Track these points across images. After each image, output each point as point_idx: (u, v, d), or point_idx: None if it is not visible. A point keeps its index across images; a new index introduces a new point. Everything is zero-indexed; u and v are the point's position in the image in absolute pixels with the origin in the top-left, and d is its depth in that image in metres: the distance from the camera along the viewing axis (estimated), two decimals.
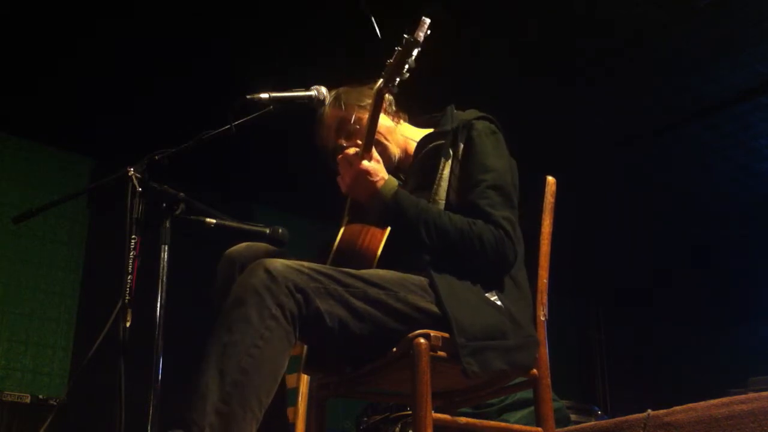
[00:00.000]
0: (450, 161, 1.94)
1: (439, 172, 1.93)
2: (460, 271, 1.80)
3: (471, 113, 2.03)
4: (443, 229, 1.80)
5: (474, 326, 1.70)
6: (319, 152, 2.18)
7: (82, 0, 4.00)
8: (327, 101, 2.11)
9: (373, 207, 1.87)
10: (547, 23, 4.29)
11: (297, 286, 1.57)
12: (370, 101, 1.90)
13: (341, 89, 2.14)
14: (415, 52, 1.77)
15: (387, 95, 1.94)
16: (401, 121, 2.17)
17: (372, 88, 1.88)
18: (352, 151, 1.91)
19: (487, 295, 1.80)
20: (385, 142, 2.08)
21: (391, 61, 1.80)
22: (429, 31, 1.75)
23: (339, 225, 1.98)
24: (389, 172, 1.97)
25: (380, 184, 1.86)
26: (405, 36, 1.75)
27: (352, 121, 2.07)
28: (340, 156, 1.93)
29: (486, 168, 1.89)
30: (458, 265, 1.81)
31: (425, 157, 2.01)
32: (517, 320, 1.80)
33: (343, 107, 2.08)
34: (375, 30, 2.04)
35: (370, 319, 1.67)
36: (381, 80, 1.83)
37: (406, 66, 1.79)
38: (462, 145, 1.95)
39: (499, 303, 1.80)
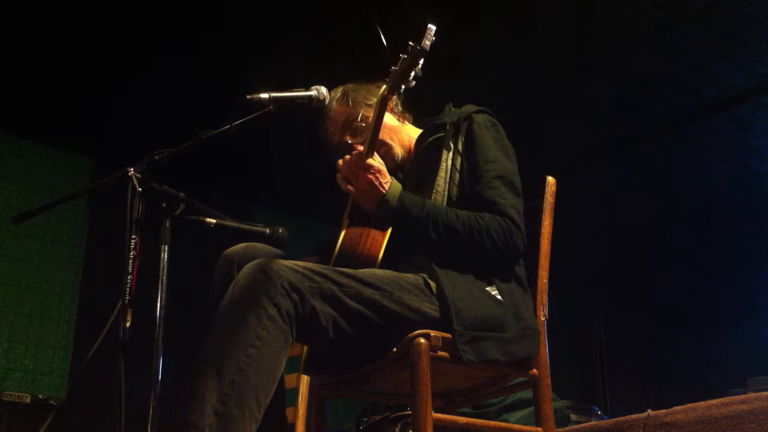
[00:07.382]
0: (451, 153, 1.95)
1: (441, 164, 1.94)
2: (462, 266, 1.80)
3: (469, 108, 2.05)
4: (451, 227, 1.81)
5: (473, 316, 1.71)
6: (322, 148, 2.17)
7: (83, 0, 4.00)
8: (333, 96, 2.11)
9: (379, 211, 1.87)
10: (547, 23, 4.29)
11: (293, 285, 1.57)
12: (377, 100, 1.89)
13: (349, 86, 2.14)
14: (421, 61, 1.75)
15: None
16: (406, 122, 2.18)
17: (379, 87, 1.87)
18: (354, 153, 1.89)
19: (488, 289, 1.81)
20: (390, 142, 2.09)
21: (396, 68, 1.78)
22: (435, 38, 1.73)
23: (339, 227, 1.97)
24: (391, 170, 1.97)
25: (386, 186, 1.86)
26: (410, 44, 1.73)
27: (359, 119, 2.08)
28: (343, 160, 1.91)
29: (489, 159, 1.91)
30: (461, 260, 1.81)
31: (425, 151, 2.02)
32: (517, 313, 1.80)
33: (351, 104, 2.09)
34: (379, 34, 2.01)
35: (363, 319, 1.67)
36: (385, 87, 1.83)
37: (412, 74, 1.77)
38: (463, 138, 1.96)
39: (499, 297, 1.80)
